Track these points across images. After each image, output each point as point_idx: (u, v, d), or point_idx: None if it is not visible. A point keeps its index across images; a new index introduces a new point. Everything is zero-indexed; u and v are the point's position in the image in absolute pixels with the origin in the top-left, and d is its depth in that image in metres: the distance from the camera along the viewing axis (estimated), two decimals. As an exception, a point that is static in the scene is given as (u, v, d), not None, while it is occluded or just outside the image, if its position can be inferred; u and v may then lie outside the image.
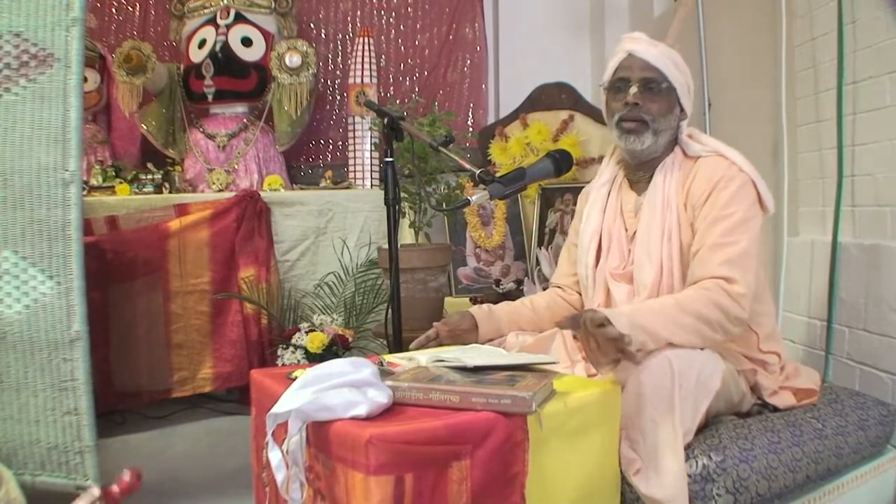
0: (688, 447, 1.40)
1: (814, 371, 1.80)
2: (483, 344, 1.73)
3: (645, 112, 1.64)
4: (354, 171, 3.60)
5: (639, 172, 1.74)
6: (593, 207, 1.80)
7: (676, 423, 1.35)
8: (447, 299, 2.74)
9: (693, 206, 1.62)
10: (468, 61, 4.03)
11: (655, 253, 1.63)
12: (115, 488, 1.84)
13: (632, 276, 1.68)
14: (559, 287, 1.91)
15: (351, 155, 3.62)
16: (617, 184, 1.80)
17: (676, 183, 1.66)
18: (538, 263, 2.98)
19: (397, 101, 3.78)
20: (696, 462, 1.39)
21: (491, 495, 1.18)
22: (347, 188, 3.50)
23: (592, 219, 1.78)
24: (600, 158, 3.22)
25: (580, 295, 1.85)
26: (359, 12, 4.04)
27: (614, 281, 1.71)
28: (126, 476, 1.85)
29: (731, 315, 1.49)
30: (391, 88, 4.00)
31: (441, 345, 1.72)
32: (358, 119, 3.59)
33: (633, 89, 1.65)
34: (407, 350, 1.66)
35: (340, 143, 3.95)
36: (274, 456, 1.22)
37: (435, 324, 1.77)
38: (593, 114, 3.36)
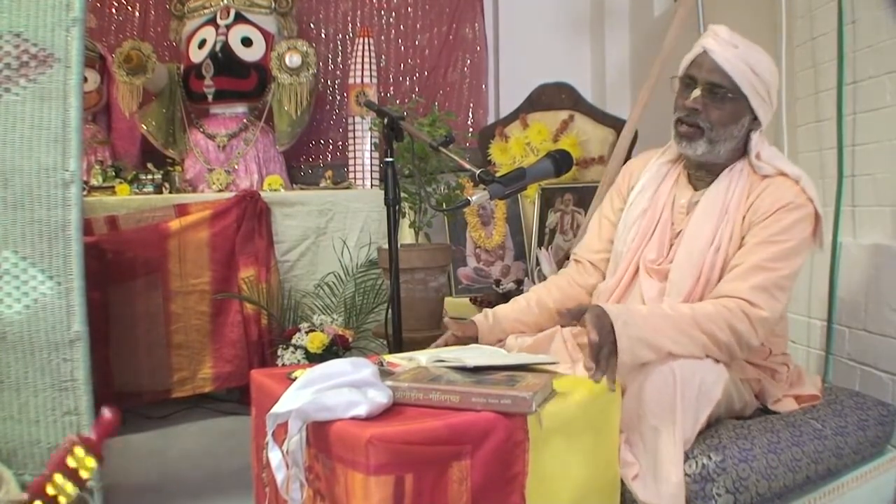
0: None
1: (815, 376, 1.81)
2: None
3: (703, 119, 1.56)
4: (354, 171, 3.60)
5: (700, 171, 1.67)
6: (649, 186, 1.70)
7: (677, 431, 1.35)
8: (447, 299, 2.74)
9: (751, 221, 1.55)
10: (468, 61, 4.03)
11: (698, 260, 1.56)
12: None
13: (666, 274, 1.60)
14: (579, 262, 1.82)
15: (351, 155, 3.62)
16: (677, 170, 1.71)
17: (740, 193, 1.58)
18: (538, 263, 2.98)
19: (397, 101, 3.78)
20: (696, 462, 1.39)
21: (491, 495, 1.18)
22: (347, 188, 3.50)
23: (643, 199, 1.69)
24: (600, 158, 3.24)
25: (601, 276, 1.77)
26: (359, 12, 4.04)
27: (647, 275, 1.64)
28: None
29: (743, 341, 1.46)
30: (391, 88, 4.00)
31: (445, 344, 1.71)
32: (358, 119, 3.59)
33: (696, 92, 1.57)
34: (408, 350, 1.66)
35: (340, 143, 3.95)
36: (274, 456, 1.22)
37: (452, 329, 1.72)
38: (593, 114, 3.37)
